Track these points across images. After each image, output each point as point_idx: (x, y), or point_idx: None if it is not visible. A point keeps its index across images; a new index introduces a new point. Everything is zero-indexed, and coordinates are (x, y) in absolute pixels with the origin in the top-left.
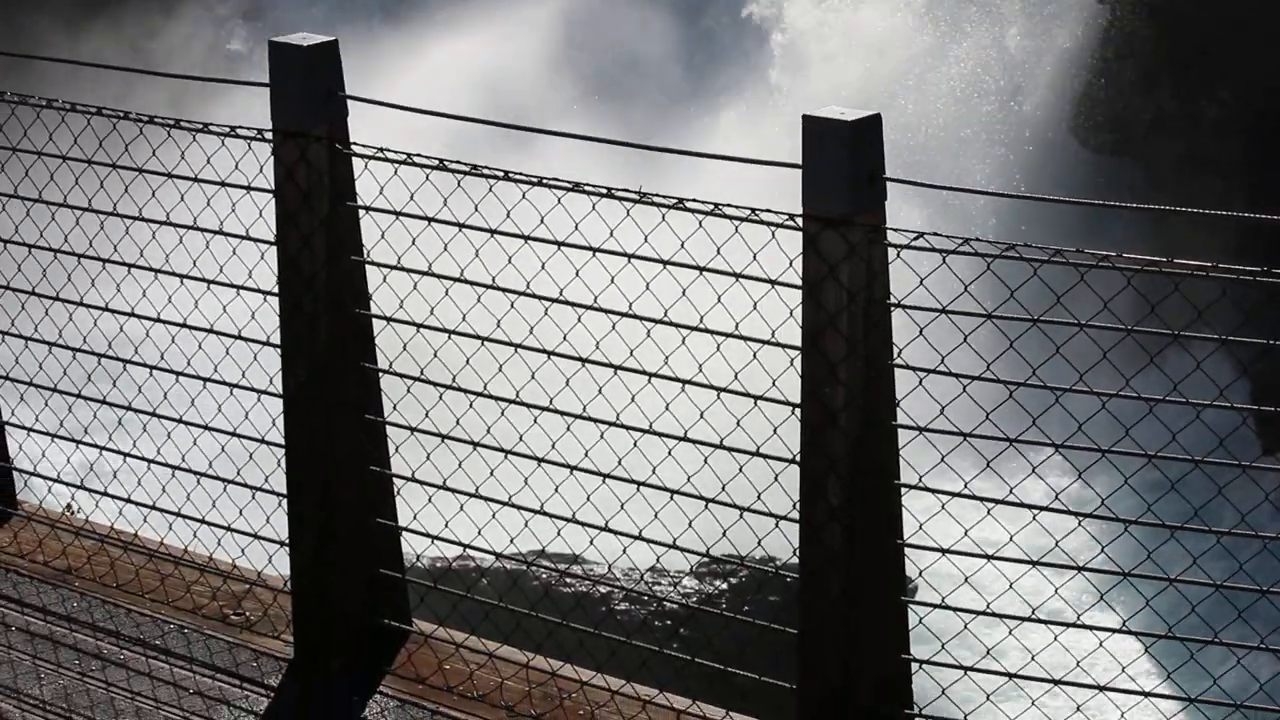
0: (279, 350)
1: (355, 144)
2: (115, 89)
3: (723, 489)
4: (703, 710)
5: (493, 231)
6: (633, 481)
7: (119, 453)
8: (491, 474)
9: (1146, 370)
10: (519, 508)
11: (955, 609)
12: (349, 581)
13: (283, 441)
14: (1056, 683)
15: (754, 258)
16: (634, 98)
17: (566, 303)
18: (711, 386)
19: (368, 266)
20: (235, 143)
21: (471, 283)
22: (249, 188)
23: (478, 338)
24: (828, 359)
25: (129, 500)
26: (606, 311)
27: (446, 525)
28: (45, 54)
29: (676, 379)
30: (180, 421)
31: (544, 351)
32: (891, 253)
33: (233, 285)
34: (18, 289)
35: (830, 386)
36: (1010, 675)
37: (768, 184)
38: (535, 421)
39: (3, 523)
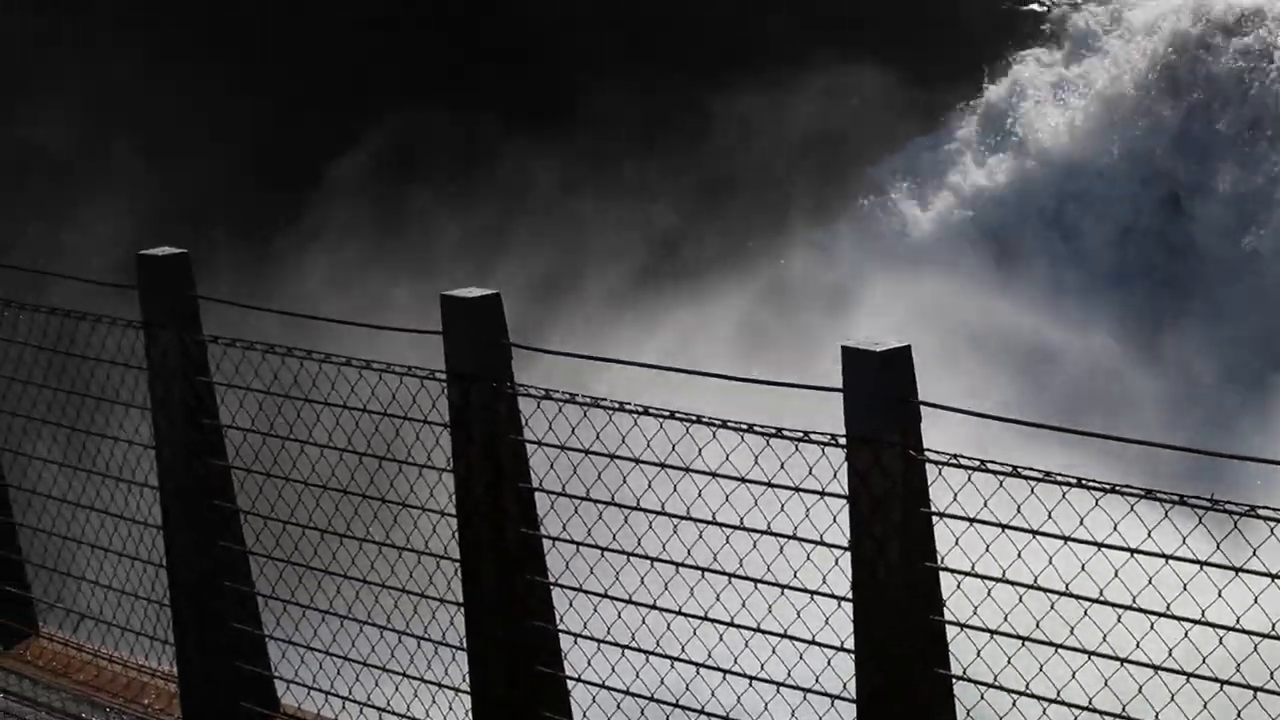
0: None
1: (929, 450)
2: None
3: None
4: None
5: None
6: None
7: None
8: None
9: None
10: None
11: None
12: None
13: None
14: None
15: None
16: None
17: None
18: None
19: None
20: (806, 448)
21: (1042, 589)
22: (823, 493)
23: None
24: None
25: None
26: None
27: None
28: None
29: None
30: None
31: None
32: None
33: (805, 590)
34: (588, 591)
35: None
36: None
37: None
38: None
39: None
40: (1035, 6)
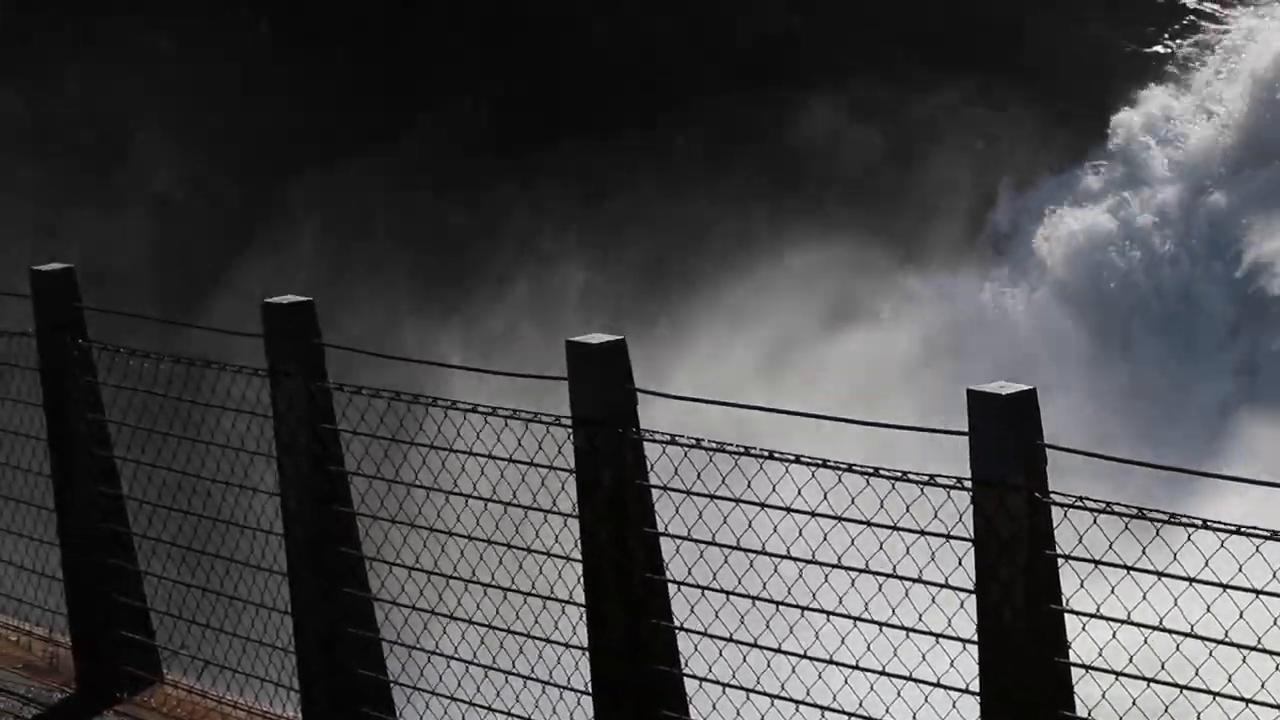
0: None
1: (1054, 493)
2: None
3: None
4: None
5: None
6: None
7: None
8: None
9: None
10: None
11: None
12: None
13: None
14: None
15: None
16: None
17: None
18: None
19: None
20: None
21: (1161, 628)
22: (949, 536)
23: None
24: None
25: None
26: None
27: None
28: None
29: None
30: None
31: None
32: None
33: (930, 633)
34: (713, 635)
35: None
36: None
37: None
38: None
39: None
40: (1159, 48)
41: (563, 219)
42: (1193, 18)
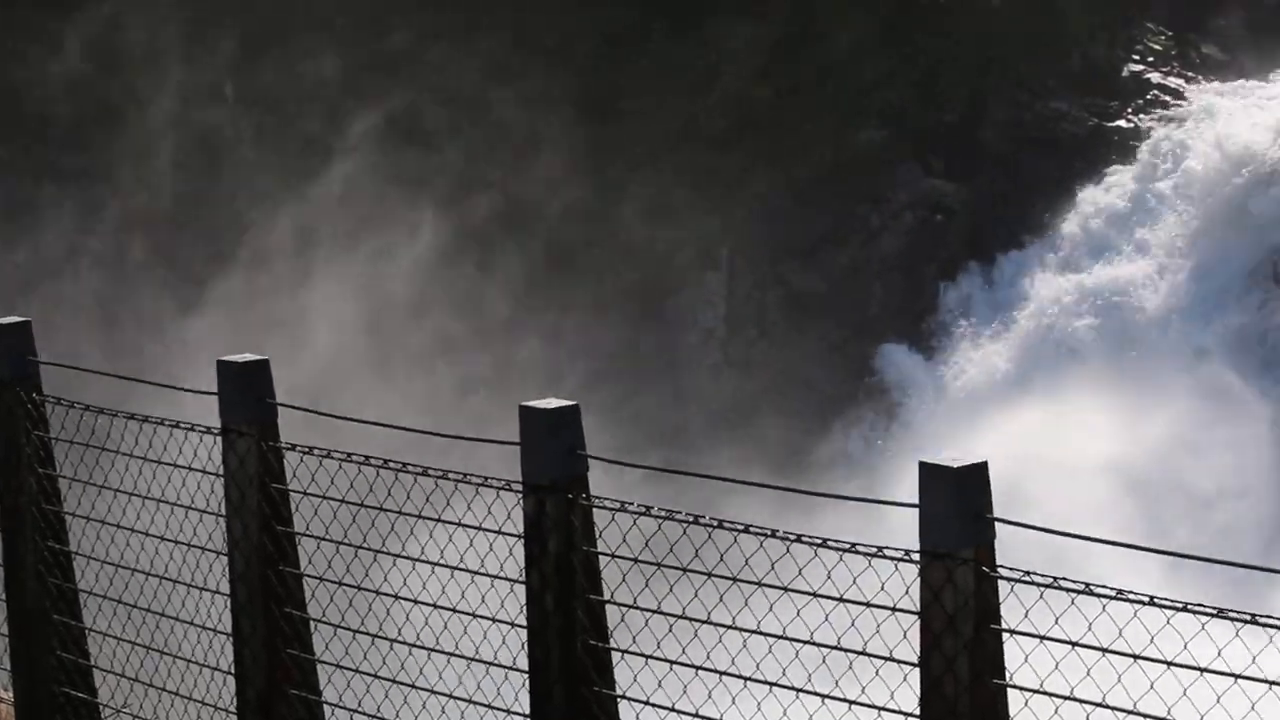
0: None
1: (1001, 566)
2: None
3: None
4: None
5: (1134, 656)
6: None
7: None
8: None
9: None
10: None
11: None
12: None
13: None
14: None
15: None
16: None
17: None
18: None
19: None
20: (880, 563)
21: (1112, 707)
22: (894, 609)
23: None
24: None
25: None
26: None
27: None
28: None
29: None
30: None
31: None
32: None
33: (873, 706)
34: (658, 705)
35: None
36: None
37: None
38: None
39: None
40: (1122, 123)
41: None
42: (1156, 92)
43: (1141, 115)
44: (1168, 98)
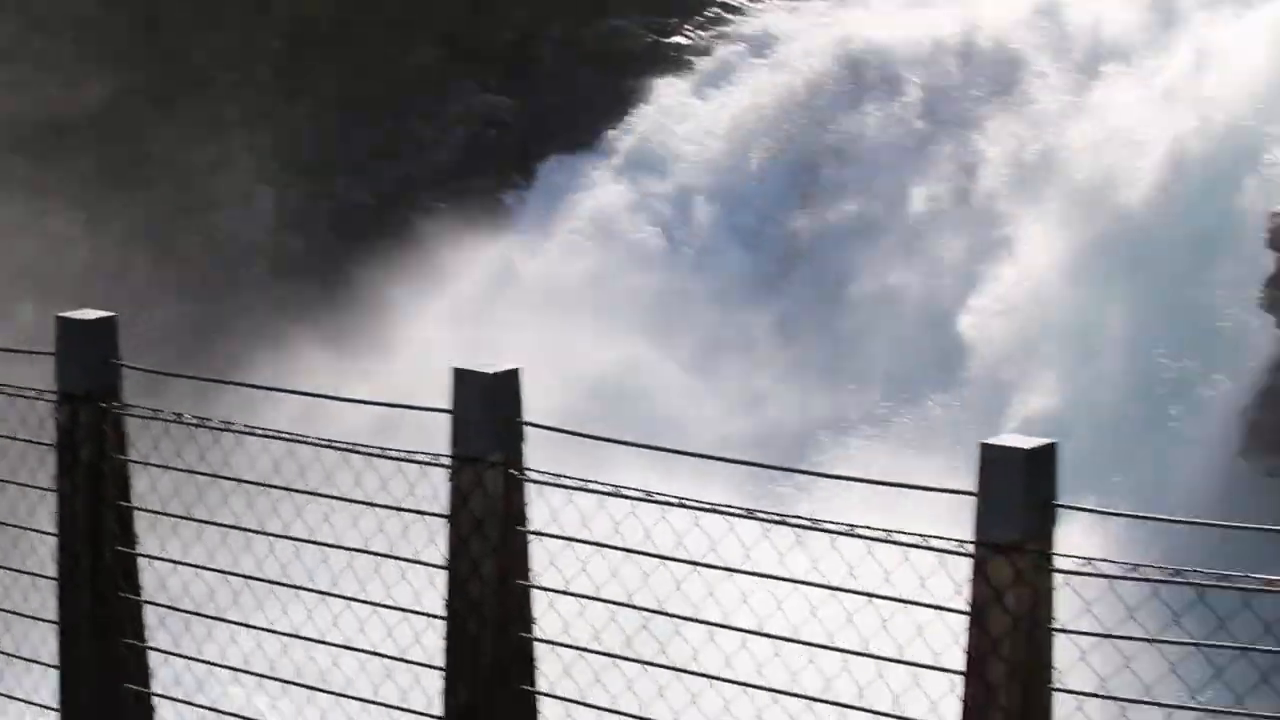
0: (442, 673)
1: (529, 469)
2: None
3: None
4: None
5: (662, 558)
6: None
7: None
8: None
9: None
10: None
11: None
12: None
13: None
14: None
15: (922, 584)
16: None
17: (729, 628)
18: (872, 711)
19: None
20: (409, 467)
21: (637, 607)
22: (422, 512)
23: (642, 662)
24: (988, 684)
25: None
26: (770, 636)
27: None
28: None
29: (838, 703)
30: None
31: (708, 676)
32: (1059, 577)
33: (399, 608)
34: (183, 610)
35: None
36: None
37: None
38: None
39: None
40: (680, 39)
41: None
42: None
43: (700, 32)
44: (729, 15)
